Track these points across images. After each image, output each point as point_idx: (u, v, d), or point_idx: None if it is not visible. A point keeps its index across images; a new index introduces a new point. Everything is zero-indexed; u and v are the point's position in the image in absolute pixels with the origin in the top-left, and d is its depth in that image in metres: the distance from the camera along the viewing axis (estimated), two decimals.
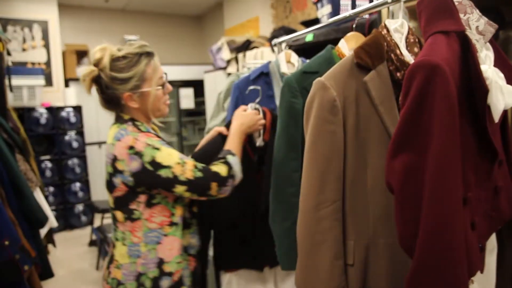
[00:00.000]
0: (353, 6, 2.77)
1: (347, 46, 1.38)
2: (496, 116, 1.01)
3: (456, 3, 1.01)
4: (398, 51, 1.10)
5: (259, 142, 1.67)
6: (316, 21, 3.20)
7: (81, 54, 5.96)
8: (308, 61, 1.95)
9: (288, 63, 1.88)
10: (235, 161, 1.43)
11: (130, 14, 6.88)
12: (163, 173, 1.30)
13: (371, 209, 1.14)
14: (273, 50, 3.83)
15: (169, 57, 7.00)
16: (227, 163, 1.40)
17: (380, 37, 1.14)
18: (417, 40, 1.14)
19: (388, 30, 1.14)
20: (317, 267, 1.13)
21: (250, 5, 5.81)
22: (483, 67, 0.98)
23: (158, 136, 1.44)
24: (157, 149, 1.32)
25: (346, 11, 2.73)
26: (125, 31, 6.57)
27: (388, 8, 1.43)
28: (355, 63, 1.15)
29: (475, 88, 0.98)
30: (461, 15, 1.02)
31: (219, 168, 1.38)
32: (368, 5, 1.41)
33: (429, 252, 0.90)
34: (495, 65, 1.04)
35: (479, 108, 0.99)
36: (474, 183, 1.03)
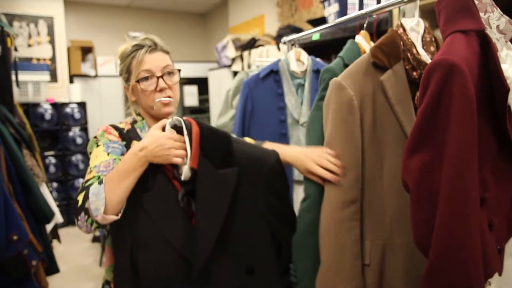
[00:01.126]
0: (361, 4, 2.76)
1: (365, 42, 1.38)
2: None
3: (476, 2, 1.01)
4: (414, 50, 1.10)
5: (184, 173, 1.13)
6: (322, 19, 3.20)
7: (86, 51, 5.96)
8: (318, 59, 1.96)
9: (298, 61, 1.88)
10: (97, 191, 1.08)
11: (135, 11, 6.88)
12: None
13: (387, 209, 1.14)
14: (279, 49, 3.82)
15: (173, 54, 6.96)
16: (86, 191, 1.10)
17: (396, 36, 1.13)
18: (433, 39, 1.13)
19: (404, 29, 1.13)
20: (339, 267, 1.12)
21: (255, 3, 5.80)
22: (504, 66, 0.97)
23: (123, 137, 1.28)
24: (97, 145, 1.24)
25: (353, 10, 2.74)
26: (130, 27, 6.56)
27: (399, 7, 1.42)
28: (372, 62, 1.14)
29: (495, 87, 0.97)
30: (481, 14, 1.01)
31: (81, 195, 1.11)
32: (382, 4, 1.40)
33: (444, 251, 0.90)
34: None
35: (499, 107, 0.98)
36: (493, 183, 1.02)
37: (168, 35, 7.13)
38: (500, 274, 1.07)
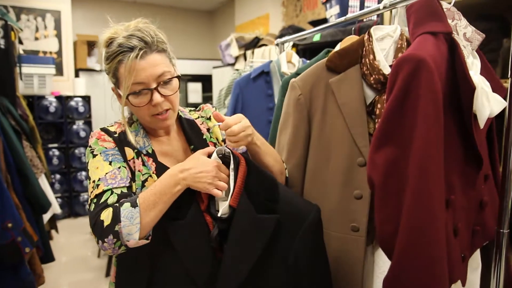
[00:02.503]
0: (362, 7, 2.80)
1: None
2: (482, 122, 1.01)
3: (444, 9, 1.03)
4: (371, 56, 1.15)
5: (222, 210, 1.05)
6: (324, 21, 3.23)
7: (92, 45, 6.03)
8: (308, 62, 1.99)
9: (289, 63, 1.92)
10: (131, 215, 1.01)
11: (141, 7, 6.94)
12: (88, 182, 1.12)
13: (327, 202, 1.20)
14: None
15: (178, 51, 6.99)
16: (116, 213, 1.01)
17: (360, 42, 1.20)
18: (404, 45, 1.17)
19: (370, 36, 1.18)
20: None
21: (261, 2, 5.83)
22: (469, 72, 0.98)
23: (117, 144, 1.16)
24: (93, 155, 1.12)
25: (354, 12, 2.77)
26: None
27: (391, 11, 1.46)
28: (325, 66, 1.24)
29: (461, 88, 0.98)
30: (449, 21, 1.04)
31: (106, 214, 1.02)
32: (368, 9, 1.44)
33: (410, 249, 0.89)
34: (482, 75, 1.05)
35: (465, 108, 0.99)
36: (458, 187, 1.03)
37: (174, 31, 7.19)
38: (463, 284, 1.07)
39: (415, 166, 0.89)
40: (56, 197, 4.61)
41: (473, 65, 1.06)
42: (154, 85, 1.10)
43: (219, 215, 1.04)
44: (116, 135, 1.16)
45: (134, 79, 1.08)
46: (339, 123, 1.19)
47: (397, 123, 0.92)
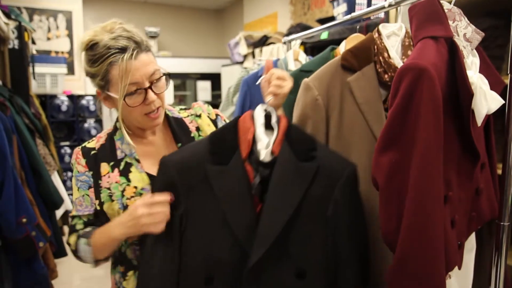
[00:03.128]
0: (369, 5, 2.81)
1: (346, 47, 1.43)
2: (479, 120, 1.04)
3: (446, 10, 1.05)
4: (386, 54, 1.15)
5: (264, 155, 1.06)
6: (332, 19, 3.25)
7: None
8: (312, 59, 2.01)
9: (296, 60, 1.94)
10: (86, 250, 1.15)
11: (151, 6, 6.99)
12: None
13: None
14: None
15: (188, 50, 7.10)
16: (77, 244, 1.17)
17: (370, 40, 1.19)
18: (411, 43, 1.18)
19: (379, 34, 1.19)
20: None
21: (269, 0, 5.85)
22: (468, 73, 1.01)
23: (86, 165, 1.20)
24: (73, 174, 1.23)
25: (361, 10, 2.78)
26: (146, 23, 6.68)
27: (396, 9, 1.48)
28: (341, 64, 1.22)
29: (460, 92, 1.02)
30: (450, 22, 1.06)
31: (73, 240, 1.19)
32: (373, 7, 1.45)
33: (410, 245, 0.95)
34: (481, 72, 1.08)
35: (463, 111, 1.03)
36: (456, 183, 1.07)
37: (183, 30, 7.24)
38: (459, 268, 1.13)
39: (416, 169, 0.94)
40: (69, 194, 4.67)
41: (472, 64, 1.09)
42: (147, 84, 1.13)
43: (260, 158, 1.05)
44: (94, 152, 1.20)
45: (130, 80, 1.09)
46: (358, 122, 1.19)
47: (400, 128, 0.97)
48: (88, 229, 1.20)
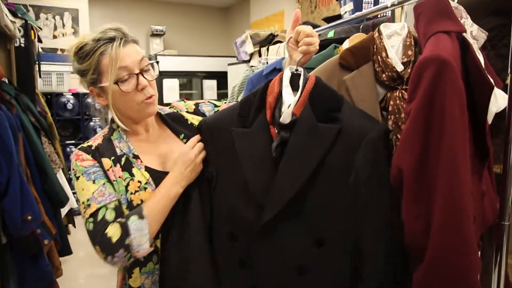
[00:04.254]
0: (376, 3, 2.78)
1: (349, 46, 1.43)
2: (490, 117, 1.02)
3: (453, 8, 1.04)
4: (384, 54, 1.15)
5: (283, 116, 1.03)
6: (338, 17, 3.23)
7: None
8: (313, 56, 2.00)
9: None
10: (140, 226, 1.07)
11: (157, 4, 7.00)
12: (78, 204, 1.17)
13: None
14: None
15: (194, 48, 7.10)
16: (125, 227, 1.06)
17: (371, 39, 1.19)
18: (412, 43, 1.17)
19: (380, 33, 1.19)
20: None
21: None
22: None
23: (94, 159, 1.17)
24: (76, 178, 1.15)
25: (369, 8, 2.76)
26: (152, 21, 6.69)
27: (402, 8, 1.46)
28: (339, 63, 1.22)
29: (477, 86, 0.99)
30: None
31: (113, 230, 1.06)
32: (376, 6, 1.44)
33: (444, 246, 0.91)
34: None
35: (480, 106, 1.00)
36: (471, 179, 1.04)
37: (189, 29, 7.24)
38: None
39: (445, 165, 0.91)
40: (73, 192, 4.70)
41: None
42: (137, 70, 1.15)
43: (280, 120, 1.03)
44: (93, 148, 1.19)
45: (120, 64, 1.13)
46: None
47: (425, 123, 0.94)
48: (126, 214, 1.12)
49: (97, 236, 1.06)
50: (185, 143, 1.27)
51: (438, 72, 0.90)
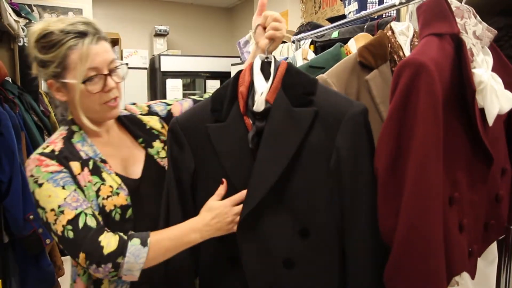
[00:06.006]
0: (381, 3, 2.77)
1: (356, 45, 1.41)
2: (490, 119, 1.02)
3: (454, 8, 1.04)
4: (401, 53, 1.13)
5: (256, 104, 1.01)
6: (343, 17, 3.22)
7: (113, 43, 6.11)
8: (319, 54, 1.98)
9: (305, 60, 1.92)
10: (138, 253, 0.98)
11: (161, 4, 7.00)
12: (40, 212, 1.05)
13: None
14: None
15: (197, 48, 7.09)
16: (123, 244, 0.99)
17: (385, 38, 1.17)
18: None
19: (393, 32, 1.17)
20: None
21: None
22: (478, 71, 1.00)
23: (61, 163, 1.07)
24: (38, 185, 1.03)
25: (372, 8, 2.75)
26: (156, 21, 6.69)
27: (407, 7, 1.45)
28: (358, 61, 1.19)
29: (466, 88, 1.00)
30: (458, 20, 1.04)
31: (109, 240, 0.99)
32: (383, 5, 1.43)
33: (406, 245, 0.93)
34: (495, 71, 1.05)
35: (470, 108, 1.01)
36: (466, 184, 1.05)
37: (193, 28, 7.24)
38: (472, 277, 1.09)
39: (413, 165, 0.92)
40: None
41: (483, 62, 1.06)
42: (106, 71, 1.10)
43: (253, 109, 1.01)
44: (56, 154, 1.08)
45: (90, 64, 1.06)
46: (374, 121, 1.16)
47: (399, 123, 0.95)
48: (104, 227, 1.04)
49: (84, 242, 0.98)
50: (144, 147, 1.24)
51: (413, 74, 0.92)
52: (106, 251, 0.97)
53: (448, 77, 0.98)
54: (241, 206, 1.03)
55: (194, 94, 6.54)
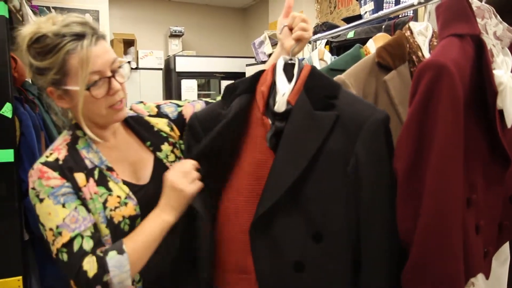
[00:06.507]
0: (397, 3, 2.75)
1: (375, 46, 1.41)
2: (509, 121, 1.01)
3: (474, 8, 1.03)
4: (420, 53, 1.13)
5: (278, 104, 1.01)
6: (358, 17, 3.20)
7: (128, 43, 6.18)
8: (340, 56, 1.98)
9: (321, 60, 1.92)
10: (119, 263, 0.96)
11: (176, 5, 7.05)
12: (40, 227, 1.02)
13: None
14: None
15: (212, 49, 7.12)
16: (102, 263, 0.95)
17: (403, 38, 1.17)
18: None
19: (411, 32, 1.16)
20: None
21: None
22: (498, 72, 0.99)
23: (64, 175, 1.02)
24: (39, 200, 1.00)
25: (390, 8, 2.73)
26: (171, 21, 6.74)
27: (425, 7, 1.44)
28: (376, 62, 1.19)
29: (486, 90, 0.99)
30: (479, 20, 1.03)
31: (90, 265, 0.95)
32: (402, 5, 1.42)
33: (426, 247, 0.92)
34: None
35: (490, 110, 1.00)
36: (482, 186, 1.04)
37: (207, 29, 7.27)
38: (487, 278, 1.09)
39: (433, 168, 0.92)
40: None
41: (503, 63, 1.05)
42: (109, 73, 1.03)
43: (274, 109, 1.00)
44: (60, 163, 1.03)
45: (92, 68, 0.99)
46: (393, 123, 1.16)
47: (419, 125, 0.94)
48: (103, 246, 1.01)
49: (73, 269, 0.95)
50: (152, 151, 1.20)
51: (435, 77, 0.91)
52: (90, 274, 0.95)
53: (468, 79, 0.97)
54: (193, 168, 1.05)
55: (209, 95, 6.58)
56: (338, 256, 0.99)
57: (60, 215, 0.98)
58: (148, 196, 1.12)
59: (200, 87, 6.45)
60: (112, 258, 0.96)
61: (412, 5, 1.28)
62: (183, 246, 1.10)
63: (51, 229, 0.98)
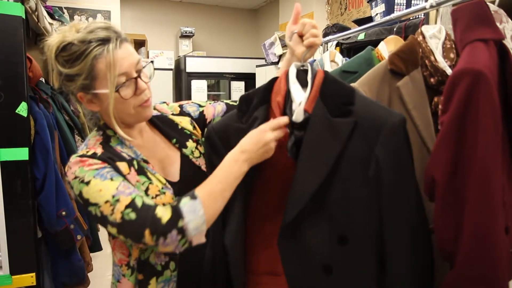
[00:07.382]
0: (408, 5, 2.75)
1: (387, 48, 1.41)
2: None
3: (492, 12, 1.02)
4: (432, 57, 1.13)
5: (296, 114, 1.01)
6: (369, 19, 3.20)
7: (140, 44, 6.24)
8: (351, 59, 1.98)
9: (332, 62, 1.92)
10: (193, 208, 0.97)
11: (186, 6, 7.09)
12: (92, 210, 0.99)
13: None
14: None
15: (222, 50, 7.16)
16: (176, 209, 0.96)
17: (416, 43, 1.17)
18: (453, 45, 1.16)
19: (423, 37, 1.16)
20: None
21: (306, 0, 5.82)
22: None
23: (108, 161, 1.04)
24: (85, 183, 0.99)
25: (400, 10, 2.72)
26: (182, 22, 6.79)
27: (437, 10, 1.44)
28: (389, 69, 1.19)
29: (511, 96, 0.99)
30: (497, 24, 1.03)
31: (163, 211, 0.96)
32: (413, 8, 1.42)
33: (472, 255, 0.92)
34: None
35: None
36: (508, 188, 1.04)
37: (218, 30, 7.31)
38: (510, 279, 1.08)
39: (477, 175, 0.92)
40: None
41: None
42: (135, 74, 1.07)
43: (293, 119, 1.00)
44: (99, 156, 1.05)
45: (119, 71, 1.03)
46: (408, 126, 1.17)
47: (458, 133, 0.94)
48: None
49: (146, 220, 0.95)
50: (178, 148, 1.24)
51: (472, 84, 0.91)
52: (164, 220, 0.95)
53: (497, 84, 0.97)
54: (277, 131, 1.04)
55: (218, 95, 6.60)
56: (363, 258, 1.00)
57: (112, 187, 0.98)
58: (179, 193, 1.12)
59: (210, 87, 6.49)
60: (185, 203, 0.97)
61: (424, 8, 1.28)
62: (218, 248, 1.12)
63: (107, 202, 0.97)
